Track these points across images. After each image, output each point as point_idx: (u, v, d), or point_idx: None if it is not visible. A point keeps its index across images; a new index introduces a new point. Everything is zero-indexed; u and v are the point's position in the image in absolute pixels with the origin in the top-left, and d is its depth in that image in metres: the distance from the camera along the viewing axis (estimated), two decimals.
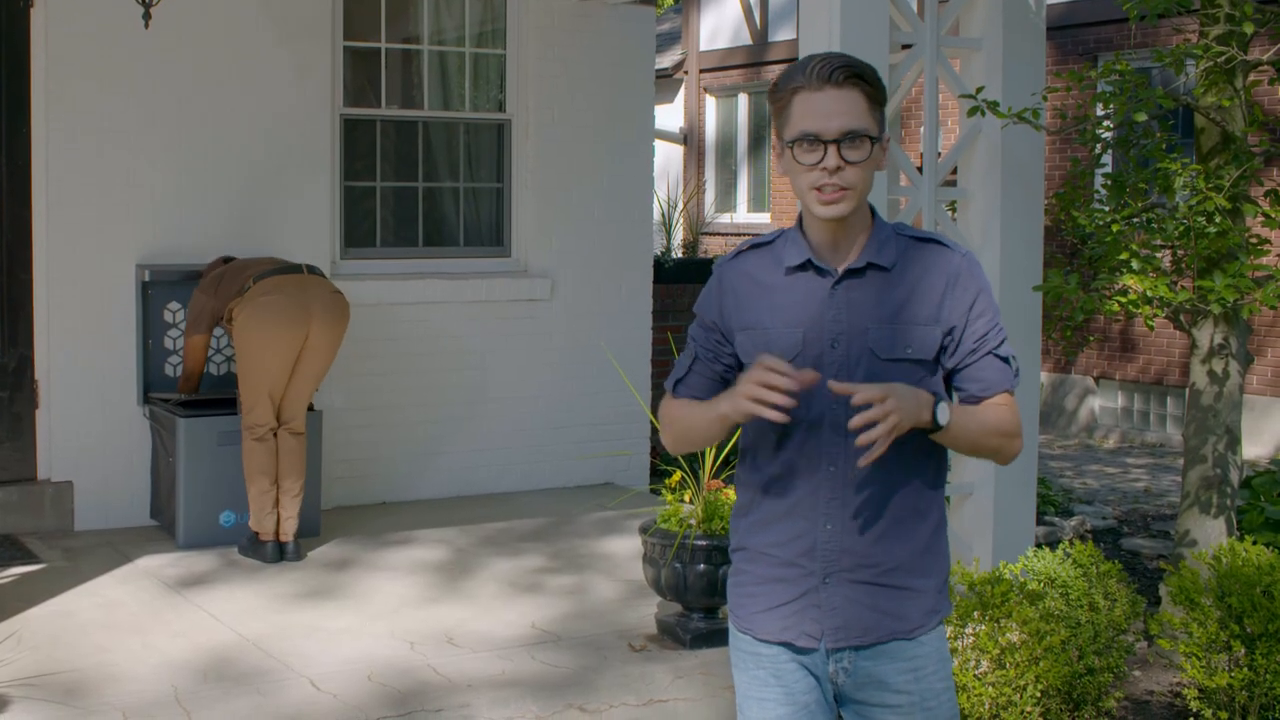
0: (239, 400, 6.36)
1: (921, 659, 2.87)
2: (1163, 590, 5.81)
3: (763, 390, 2.63)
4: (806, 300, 2.81)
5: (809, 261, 2.81)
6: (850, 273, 2.80)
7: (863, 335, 2.77)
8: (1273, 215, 5.62)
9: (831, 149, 2.70)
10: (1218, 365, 5.89)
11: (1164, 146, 5.79)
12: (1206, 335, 5.90)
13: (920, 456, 2.83)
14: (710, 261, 11.44)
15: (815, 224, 2.81)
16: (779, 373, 2.63)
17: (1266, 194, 5.73)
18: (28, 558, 6.33)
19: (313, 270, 6.40)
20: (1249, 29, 5.39)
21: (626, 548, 6.55)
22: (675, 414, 2.96)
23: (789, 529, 2.84)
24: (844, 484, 2.80)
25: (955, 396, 2.90)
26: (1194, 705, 4.95)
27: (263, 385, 6.24)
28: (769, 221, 16.79)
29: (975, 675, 4.64)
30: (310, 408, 6.50)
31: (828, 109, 2.69)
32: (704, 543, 4.96)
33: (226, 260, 6.66)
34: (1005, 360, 2.85)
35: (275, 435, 6.33)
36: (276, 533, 6.31)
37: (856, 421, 2.62)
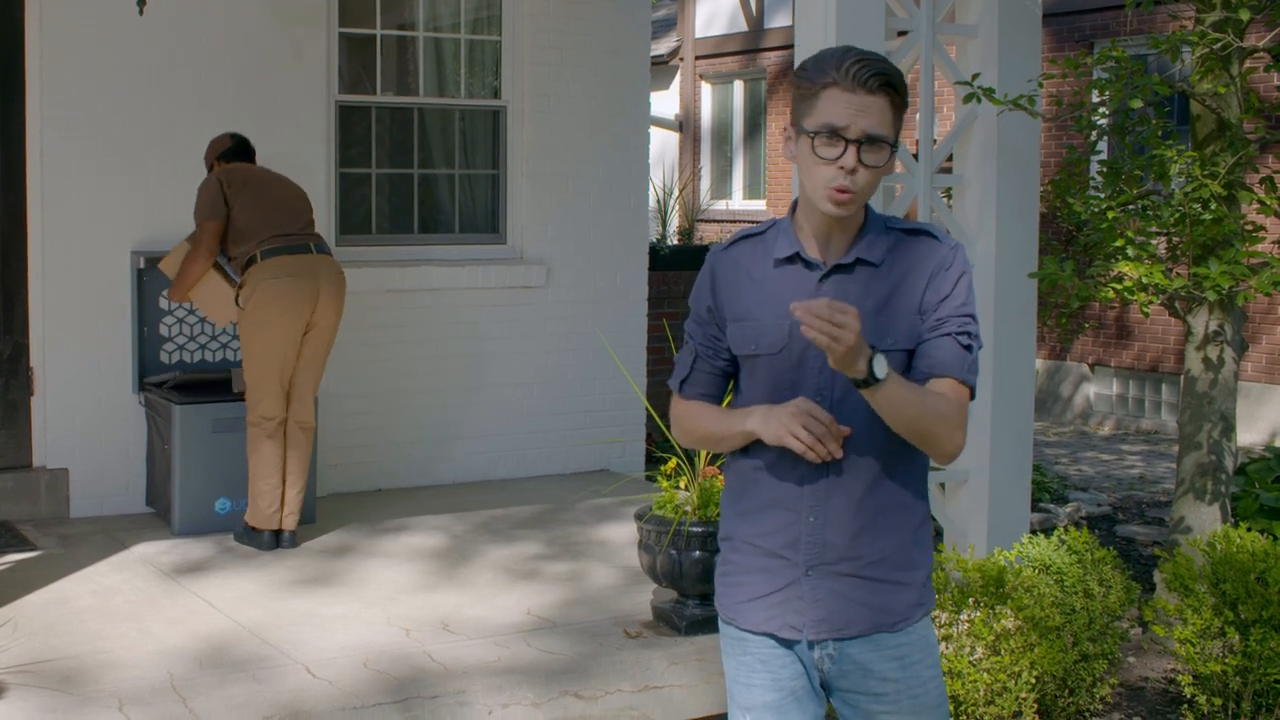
0: (246, 391, 6.30)
1: (907, 646, 2.88)
2: (1157, 577, 5.82)
3: (801, 430, 2.71)
4: (794, 292, 2.81)
5: (797, 254, 2.82)
6: (839, 268, 2.81)
7: None
8: (1268, 202, 5.63)
9: (851, 149, 2.70)
10: (1213, 352, 5.90)
11: (1160, 133, 5.79)
12: (1201, 322, 5.91)
13: (907, 449, 2.84)
14: (706, 248, 11.45)
15: (814, 216, 2.81)
16: (819, 421, 2.72)
17: (1262, 181, 5.73)
18: (23, 545, 6.33)
19: (320, 249, 6.34)
20: (1245, 15, 5.39)
21: (622, 534, 6.56)
22: (695, 421, 2.96)
23: (774, 520, 2.85)
24: (831, 477, 2.80)
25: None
26: (1188, 691, 4.96)
27: (273, 371, 6.20)
28: (764, 208, 16.79)
29: (970, 662, 4.65)
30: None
31: (856, 110, 2.69)
32: (699, 529, 4.97)
33: (232, 149, 6.45)
34: (965, 349, 2.80)
35: (284, 429, 6.31)
36: (279, 523, 6.31)
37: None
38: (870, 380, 2.64)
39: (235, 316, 6.35)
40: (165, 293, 6.81)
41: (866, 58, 2.71)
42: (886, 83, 2.70)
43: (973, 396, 2.86)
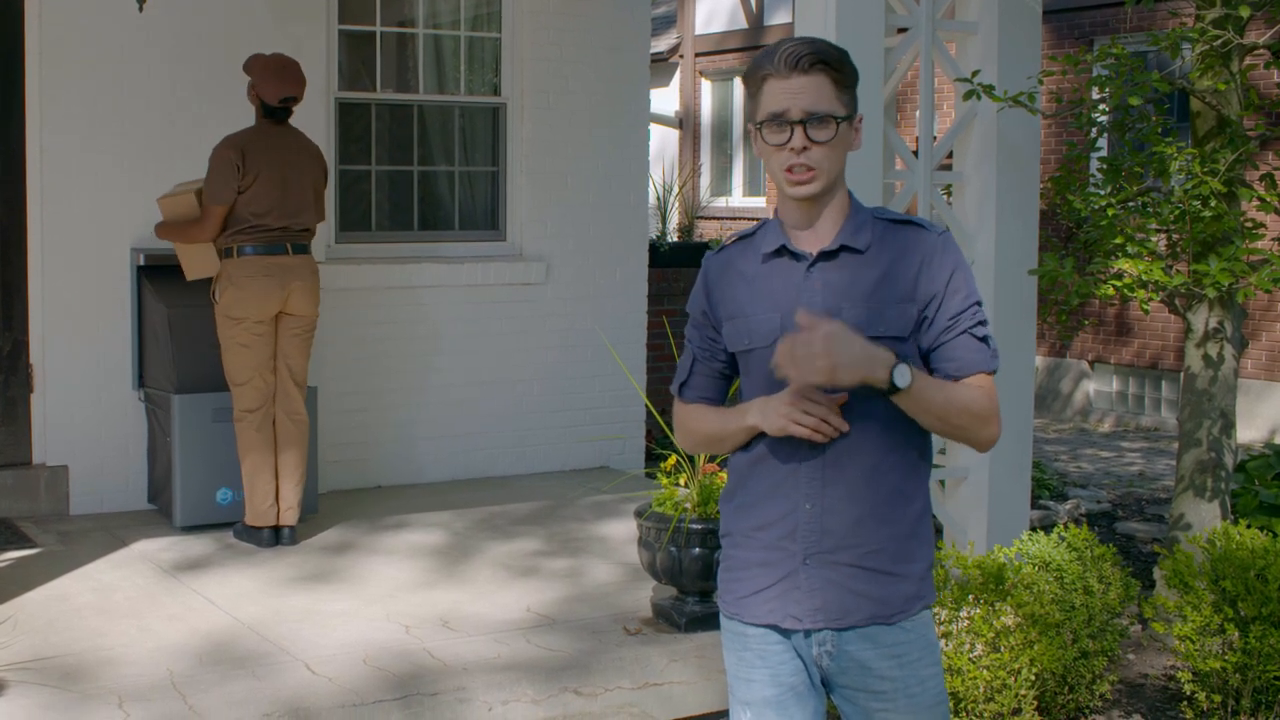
0: (230, 386, 6.32)
1: (905, 645, 2.88)
2: (1157, 574, 5.82)
3: (801, 415, 2.74)
4: (783, 285, 2.85)
5: (783, 247, 2.86)
6: (824, 255, 2.84)
7: (837, 315, 2.79)
8: (1268, 199, 5.62)
9: (797, 130, 2.76)
10: (1212, 349, 5.89)
11: (1159, 130, 5.79)
12: (1201, 319, 5.91)
13: (905, 438, 2.84)
14: (705, 245, 11.46)
15: (789, 205, 2.87)
16: (817, 401, 2.74)
17: (1262, 178, 5.73)
18: (23, 542, 6.33)
19: (298, 249, 6.33)
20: (1245, 12, 5.39)
21: (622, 531, 6.56)
22: (698, 423, 2.99)
23: (771, 511, 2.86)
24: (826, 465, 2.81)
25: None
26: (1188, 688, 4.96)
27: (249, 364, 6.21)
28: (764, 205, 16.79)
29: (970, 659, 4.65)
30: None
31: (793, 92, 2.75)
32: (699, 526, 4.97)
33: (274, 109, 6.29)
34: (982, 341, 2.86)
35: (274, 423, 6.32)
36: (276, 518, 6.30)
37: (781, 357, 2.67)
38: (892, 389, 2.69)
39: (204, 274, 6.36)
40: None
41: (799, 42, 2.78)
42: (819, 61, 2.76)
43: (995, 371, 2.93)
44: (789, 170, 2.78)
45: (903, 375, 2.68)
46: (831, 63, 2.77)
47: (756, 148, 2.85)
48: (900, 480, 2.85)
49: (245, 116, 6.82)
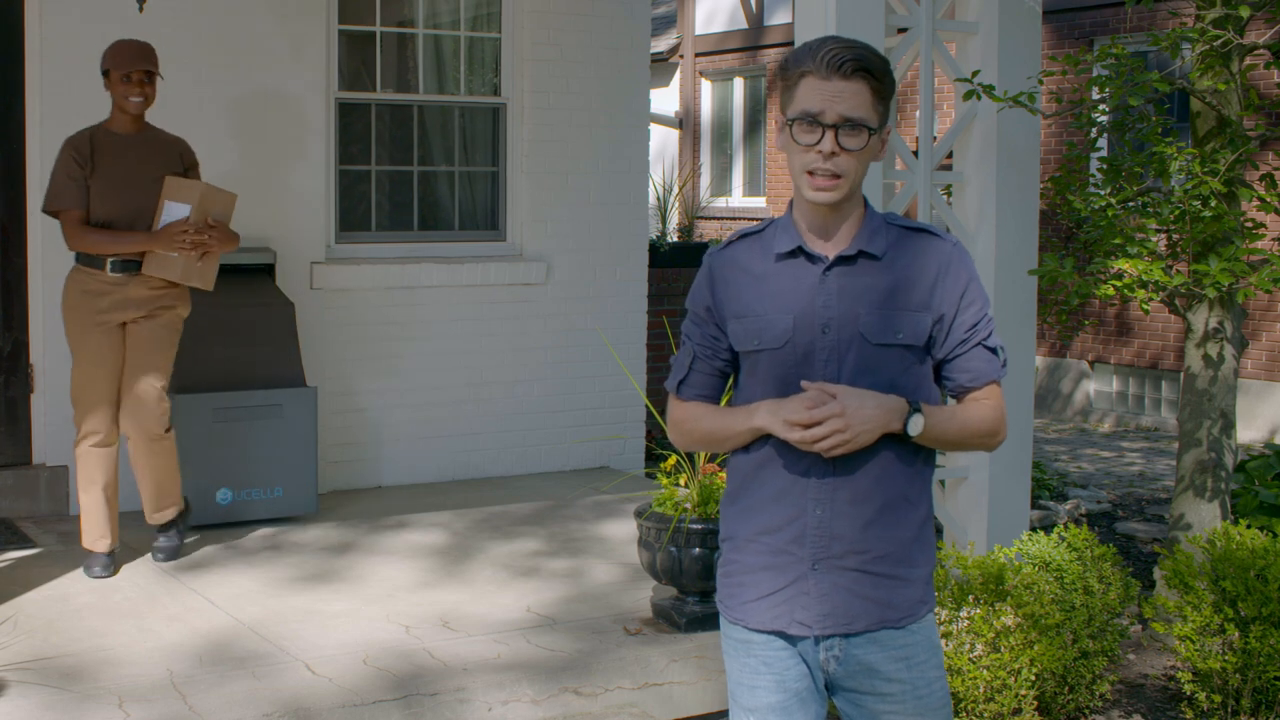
0: (160, 395, 5.80)
1: (912, 646, 2.87)
2: (1157, 574, 5.82)
3: (808, 418, 2.73)
4: (797, 286, 2.82)
5: (800, 248, 2.83)
6: (841, 259, 2.81)
7: (853, 321, 2.78)
8: (1268, 199, 5.62)
9: (829, 134, 2.72)
10: (1213, 349, 5.90)
11: (1160, 130, 5.79)
12: (1201, 319, 5.91)
13: (910, 444, 2.84)
14: (705, 246, 11.46)
15: (805, 207, 2.83)
16: (813, 407, 2.75)
17: (1262, 178, 5.73)
18: (23, 542, 6.33)
19: None
20: (1245, 12, 5.39)
21: (622, 531, 6.56)
22: (696, 422, 2.97)
23: (778, 515, 2.85)
24: (834, 469, 2.80)
25: (943, 387, 2.92)
26: (1188, 688, 4.96)
27: None
28: (764, 206, 16.79)
29: (970, 659, 4.65)
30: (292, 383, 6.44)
31: (831, 95, 2.72)
32: (699, 526, 4.97)
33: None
34: (994, 351, 2.88)
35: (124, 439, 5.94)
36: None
37: (794, 437, 2.73)
38: (905, 436, 2.79)
39: (171, 276, 5.76)
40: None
41: (844, 44, 2.74)
42: (861, 68, 2.72)
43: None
44: (810, 173, 2.75)
45: (916, 425, 2.77)
46: (874, 71, 2.73)
47: (780, 141, 2.81)
48: (905, 485, 2.85)
49: (242, 115, 6.84)
